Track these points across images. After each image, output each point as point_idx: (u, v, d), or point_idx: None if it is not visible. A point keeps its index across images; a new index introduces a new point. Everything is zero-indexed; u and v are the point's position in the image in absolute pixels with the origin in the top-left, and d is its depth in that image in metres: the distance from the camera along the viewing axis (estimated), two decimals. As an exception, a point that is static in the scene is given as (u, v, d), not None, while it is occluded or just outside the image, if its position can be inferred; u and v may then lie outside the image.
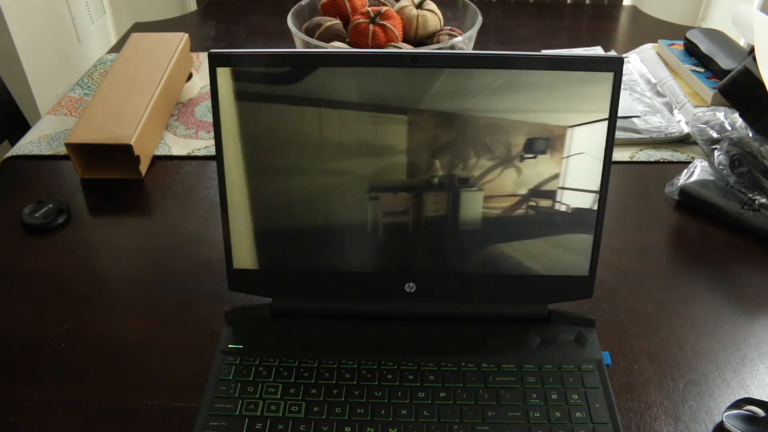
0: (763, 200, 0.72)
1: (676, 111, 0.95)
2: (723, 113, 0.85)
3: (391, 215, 0.55)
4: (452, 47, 0.88)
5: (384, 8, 0.89)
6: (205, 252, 0.71)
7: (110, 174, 0.83)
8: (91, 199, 0.80)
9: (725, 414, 0.52)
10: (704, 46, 1.02)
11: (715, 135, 0.83)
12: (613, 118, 0.52)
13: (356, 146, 0.53)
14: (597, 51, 1.15)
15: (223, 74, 0.51)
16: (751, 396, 0.55)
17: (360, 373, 0.54)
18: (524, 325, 0.58)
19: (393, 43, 0.88)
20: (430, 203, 0.54)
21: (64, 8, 1.57)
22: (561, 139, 0.52)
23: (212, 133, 0.91)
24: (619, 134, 0.89)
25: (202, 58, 1.12)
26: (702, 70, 1.00)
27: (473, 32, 0.89)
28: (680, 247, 0.72)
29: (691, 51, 1.05)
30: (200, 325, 0.61)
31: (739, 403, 0.53)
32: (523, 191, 0.54)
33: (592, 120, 0.52)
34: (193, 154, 0.88)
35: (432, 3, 0.93)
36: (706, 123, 0.85)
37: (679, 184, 0.77)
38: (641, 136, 0.90)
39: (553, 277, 0.56)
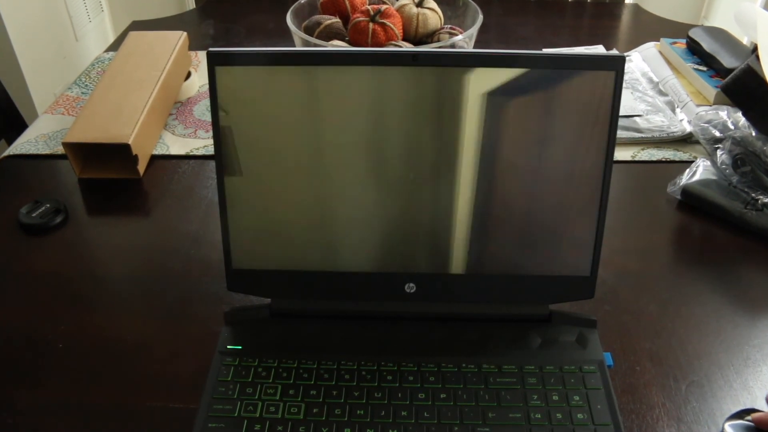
0: (767, 200, 0.71)
1: (678, 110, 0.94)
2: (726, 112, 0.84)
3: (391, 215, 0.54)
4: (452, 46, 0.87)
5: (384, 6, 0.88)
6: (204, 252, 0.70)
7: (108, 173, 0.83)
8: (89, 199, 0.80)
9: (727, 423, 0.51)
10: (707, 44, 1.01)
11: (717, 134, 0.83)
12: (614, 117, 0.51)
13: (356, 145, 0.52)
14: (599, 49, 1.14)
15: (222, 73, 0.51)
16: (755, 407, 0.53)
17: (360, 374, 0.53)
18: (525, 325, 0.58)
19: (393, 42, 0.88)
20: (431, 202, 0.54)
21: (62, 6, 1.57)
22: (562, 138, 0.52)
23: (211, 133, 0.90)
24: (620, 133, 0.89)
25: (201, 57, 1.12)
26: (705, 68, 1.00)
27: (474, 31, 0.88)
28: (682, 248, 0.72)
29: (694, 49, 1.04)
30: (199, 326, 0.61)
31: (741, 413, 0.52)
32: (524, 191, 0.53)
33: (593, 119, 0.51)
34: (191, 153, 0.88)
35: (432, 1, 0.92)
36: (708, 122, 0.84)
37: (681, 184, 0.77)
38: (643, 135, 0.89)
39: (554, 277, 0.56)
